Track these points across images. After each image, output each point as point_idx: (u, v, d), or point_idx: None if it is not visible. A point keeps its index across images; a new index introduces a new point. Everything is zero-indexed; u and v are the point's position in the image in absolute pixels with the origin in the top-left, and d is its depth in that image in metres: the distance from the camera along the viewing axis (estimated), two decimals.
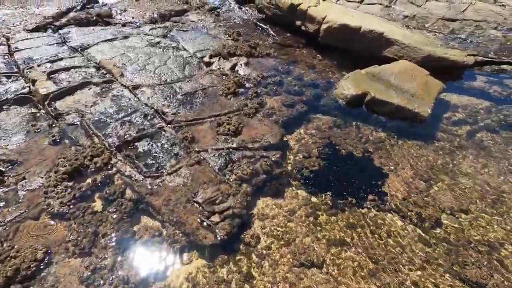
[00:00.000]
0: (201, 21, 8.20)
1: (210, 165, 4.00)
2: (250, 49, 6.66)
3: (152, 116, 4.62)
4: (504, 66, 6.64)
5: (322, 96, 5.73)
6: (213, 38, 7.22)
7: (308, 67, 6.58)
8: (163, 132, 4.35)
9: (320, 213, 3.87)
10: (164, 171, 3.84)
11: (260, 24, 8.11)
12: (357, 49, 6.85)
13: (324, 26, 6.81)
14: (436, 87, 5.60)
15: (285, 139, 4.82)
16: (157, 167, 3.88)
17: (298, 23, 7.44)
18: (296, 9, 7.33)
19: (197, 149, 4.22)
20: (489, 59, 6.63)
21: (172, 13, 8.52)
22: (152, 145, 4.15)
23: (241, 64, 6.12)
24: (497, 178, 4.43)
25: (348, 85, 5.47)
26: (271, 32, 7.79)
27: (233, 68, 6.02)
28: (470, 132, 5.25)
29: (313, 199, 4.07)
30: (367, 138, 4.93)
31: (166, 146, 4.16)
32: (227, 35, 7.42)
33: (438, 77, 6.32)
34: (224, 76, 5.76)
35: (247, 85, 5.66)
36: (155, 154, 4.05)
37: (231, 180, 3.88)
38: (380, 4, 8.09)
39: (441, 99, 5.86)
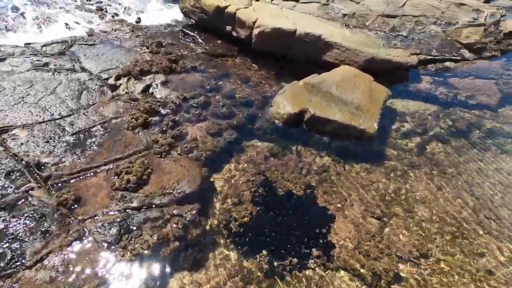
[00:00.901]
0: (115, 30, 6.88)
1: (97, 241, 2.90)
2: (171, 63, 5.55)
3: (18, 174, 3.36)
4: (447, 64, 6.30)
5: (256, 117, 4.84)
6: (127, 52, 5.98)
7: (242, 80, 5.66)
8: (29, 198, 3.13)
9: (253, 287, 2.96)
10: (21, 264, 2.66)
11: (187, 31, 7.01)
12: (295, 55, 6.07)
13: (255, 31, 5.92)
14: (381, 95, 4.99)
15: (210, 180, 3.84)
16: (10, 259, 2.69)
17: (228, 28, 6.48)
18: (223, 12, 6.36)
19: (81, 217, 3.08)
20: (432, 57, 6.23)
21: (78, 23, 7.09)
22: (8, 222, 2.93)
23: (156, 84, 5.01)
24: (454, 201, 3.87)
25: (284, 102, 4.63)
26: (199, 40, 6.73)
27: (146, 90, 4.89)
28: (421, 144, 4.71)
29: (246, 263, 3.15)
30: (309, 168, 4.13)
31: (30, 220, 2.96)
32: (145, 47, 6.22)
33: (382, 81, 5.77)
34: (134, 102, 4.62)
35: (162, 111, 4.58)
36: (10, 237, 2.84)
37: (126, 258, 2.82)
38: (318, 2, 7.42)
39: (388, 106, 5.28)
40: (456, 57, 6.36)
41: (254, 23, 5.95)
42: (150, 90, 4.92)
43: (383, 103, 4.88)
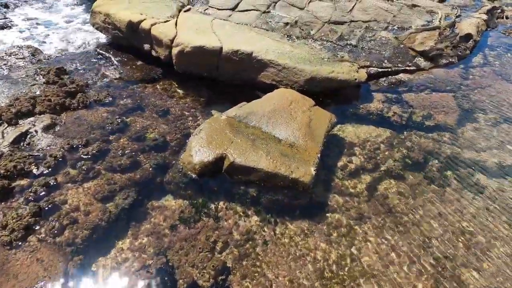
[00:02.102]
0: (9, 55, 5.59)
1: None
2: (65, 97, 4.41)
3: None
4: (401, 76, 5.57)
5: (169, 166, 3.83)
6: (11, 86, 4.76)
7: (159, 113, 4.61)
8: None
9: None
10: None
11: (101, 52, 5.87)
12: (226, 76, 5.11)
13: (174, 51, 4.89)
14: (323, 125, 4.13)
15: (82, 274, 2.79)
16: None
17: (147, 47, 5.41)
18: (137, 28, 5.29)
19: None
20: (384, 69, 5.49)
21: None
22: None
23: (36, 131, 3.86)
24: (409, 273, 3.06)
25: (198, 147, 3.64)
26: (115, 62, 5.61)
27: (18, 140, 3.73)
28: (371, 185, 3.88)
29: None
30: (228, 237, 3.17)
31: None
32: (41, 76, 5.02)
33: (328, 102, 4.97)
34: None
35: (35, 171, 3.46)
36: None
37: None
38: (257, 10, 6.52)
39: (334, 135, 4.45)
40: (410, 67, 5.65)
41: (172, 40, 4.91)
42: (26, 140, 3.77)
43: (325, 135, 4.01)
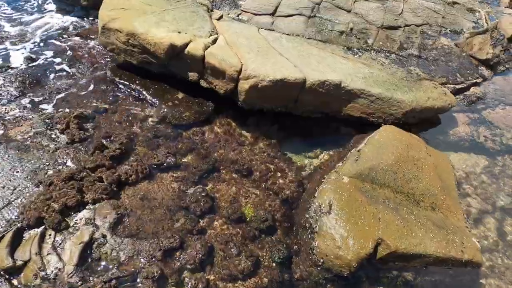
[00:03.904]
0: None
1: None
2: (115, 167, 3.16)
3: None
4: (472, 90, 5.19)
5: (291, 253, 2.97)
6: (23, 157, 3.28)
7: (239, 171, 3.57)
8: None
9: None
10: None
11: (120, 80, 4.42)
12: (303, 110, 4.20)
13: (245, 85, 3.80)
14: (448, 172, 3.57)
15: None
16: None
17: (194, 76, 4.17)
18: (183, 54, 4.02)
19: None
20: (459, 84, 5.04)
21: None
22: None
23: (104, 235, 2.66)
24: None
25: (341, 232, 2.83)
26: (148, 97, 4.27)
27: (85, 256, 2.53)
28: (499, 230, 3.53)
29: None
30: None
31: None
32: (58, 131, 3.56)
33: (416, 131, 4.41)
34: None
35: None
36: None
37: None
38: (301, 14, 5.50)
39: None
40: (478, 80, 5.30)
41: (239, 72, 3.79)
42: (95, 252, 2.58)
43: (456, 185, 3.49)
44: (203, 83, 4.14)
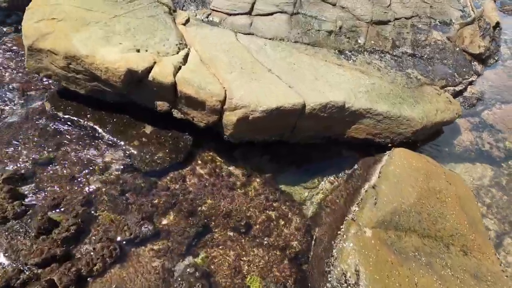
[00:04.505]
0: None
1: None
2: (63, 256, 2.32)
3: None
4: (469, 90, 4.85)
5: None
6: None
7: (235, 227, 2.89)
8: None
9: None
10: None
11: (68, 116, 3.37)
12: (301, 137, 3.54)
13: (232, 118, 3.01)
14: (471, 201, 3.18)
15: None
16: None
17: (163, 106, 3.26)
18: (146, 80, 3.08)
19: None
20: (458, 86, 4.65)
21: None
22: None
23: None
24: None
25: None
26: (105, 135, 3.31)
27: None
28: None
29: None
30: None
31: None
32: None
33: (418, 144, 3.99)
34: None
35: None
36: None
37: None
38: (283, 12, 4.68)
39: None
40: (473, 78, 4.97)
41: (223, 102, 2.99)
42: None
43: (481, 218, 3.11)
44: (176, 114, 3.28)
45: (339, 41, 4.55)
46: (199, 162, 3.41)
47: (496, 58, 5.53)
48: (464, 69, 4.91)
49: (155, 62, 3.06)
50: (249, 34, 4.12)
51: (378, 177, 3.12)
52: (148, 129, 3.44)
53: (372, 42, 4.79)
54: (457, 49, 5.13)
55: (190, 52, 3.40)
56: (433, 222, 2.87)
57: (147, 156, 3.22)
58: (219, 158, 3.50)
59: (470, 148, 4.18)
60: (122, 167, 3.12)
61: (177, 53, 3.31)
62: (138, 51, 3.15)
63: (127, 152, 3.21)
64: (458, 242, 2.83)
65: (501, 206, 3.72)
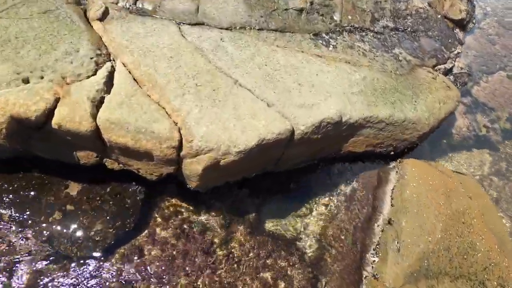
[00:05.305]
0: None
1: None
2: None
3: None
4: (456, 64, 4.31)
5: None
6: None
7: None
8: None
9: None
10: None
11: None
12: (288, 166, 2.71)
13: (196, 167, 2.03)
14: (495, 217, 2.72)
15: None
16: None
17: (89, 157, 2.18)
18: (49, 127, 1.95)
19: None
20: (448, 62, 4.07)
21: None
22: None
23: None
24: None
25: None
26: (7, 212, 2.18)
27: None
28: None
29: None
30: None
31: None
32: None
33: None
34: None
35: None
36: None
37: None
38: None
39: None
40: (458, 49, 4.42)
41: (178, 148, 2.01)
42: None
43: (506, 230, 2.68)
44: (111, 165, 2.24)
45: (313, 21, 3.62)
46: (159, 220, 2.48)
47: (474, 22, 5.05)
48: (449, 40, 4.33)
49: (58, 98, 1.94)
50: (197, 24, 3.02)
51: (392, 206, 2.49)
52: (74, 188, 2.37)
53: (349, 17, 3.93)
54: (439, 16, 4.50)
55: (116, 68, 2.29)
56: (463, 257, 2.36)
57: (78, 234, 2.20)
58: (185, 207, 2.59)
59: (468, 136, 3.73)
60: (39, 261, 2.09)
61: (94, 73, 2.18)
62: (26, 81, 1.97)
63: (44, 235, 2.16)
64: (493, 276, 2.37)
65: (506, 196, 3.39)
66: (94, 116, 1.93)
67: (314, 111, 2.43)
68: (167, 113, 2.08)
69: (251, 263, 2.42)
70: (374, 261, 2.28)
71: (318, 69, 2.90)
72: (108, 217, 2.30)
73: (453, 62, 4.14)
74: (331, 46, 3.45)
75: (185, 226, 2.49)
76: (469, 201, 2.66)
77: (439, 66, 3.91)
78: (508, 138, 3.86)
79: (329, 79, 2.82)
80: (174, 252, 2.35)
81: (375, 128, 2.77)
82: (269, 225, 2.78)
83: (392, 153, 3.03)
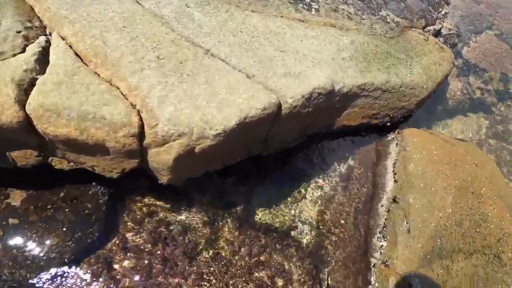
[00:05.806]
0: None
1: None
2: None
3: None
4: (447, 25, 4.04)
5: None
6: None
7: None
8: None
9: None
10: None
11: None
12: (277, 146, 2.37)
13: (165, 157, 1.66)
14: (501, 180, 2.51)
15: None
16: None
17: (27, 157, 1.74)
18: None
19: None
20: (437, 23, 3.78)
21: None
22: None
23: None
24: None
25: None
26: None
27: None
28: None
29: None
30: None
31: None
32: None
33: None
34: None
35: None
36: None
37: None
38: None
39: None
40: (445, 8, 4.14)
41: (139, 135, 1.61)
42: None
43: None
44: (59, 165, 1.80)
45: None
46: (130, 225, 2.09)
47: None
48: (436, 0, 4.05)
49: None
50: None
51: (395, 182, 2.21)
52: (17, 197, 1.92)
53: None
54: None
55: (53, 42, 1.81)
56: (476, 230, 2.13)
57: (27, 253, 1.78)
58: (160, 206, 2.21)
59: (463, 100, 3.52)
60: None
61: (23, 50, 1.71)
62: None
63: None
64: (507, 247, 2.17)
65: (509, 163, 3.23)
66: (22, 103, 1.48)
67: (302, 79, 2.06)
68: (122, 93, 1.66)
69: (242, 263, 2.10)
70: (382, 246, 2.02)
71: (302, 34, 2.52)
72: (64, 228, 1.89)
73: (442, 23, 3.88)
74: (313, 9, 3.06)
75: (162, 229, 2.12)
76: (476, 169, 2.43)
77: (429, 28, 3.63)
78: (503, 100, 3.69)
79: (315, 45, 2.45)
80: (151, 260, 1.98)
81: (371, 96, 2.45)
82: (260, 216, 2.45)
83: (388, 124, 2.75)
